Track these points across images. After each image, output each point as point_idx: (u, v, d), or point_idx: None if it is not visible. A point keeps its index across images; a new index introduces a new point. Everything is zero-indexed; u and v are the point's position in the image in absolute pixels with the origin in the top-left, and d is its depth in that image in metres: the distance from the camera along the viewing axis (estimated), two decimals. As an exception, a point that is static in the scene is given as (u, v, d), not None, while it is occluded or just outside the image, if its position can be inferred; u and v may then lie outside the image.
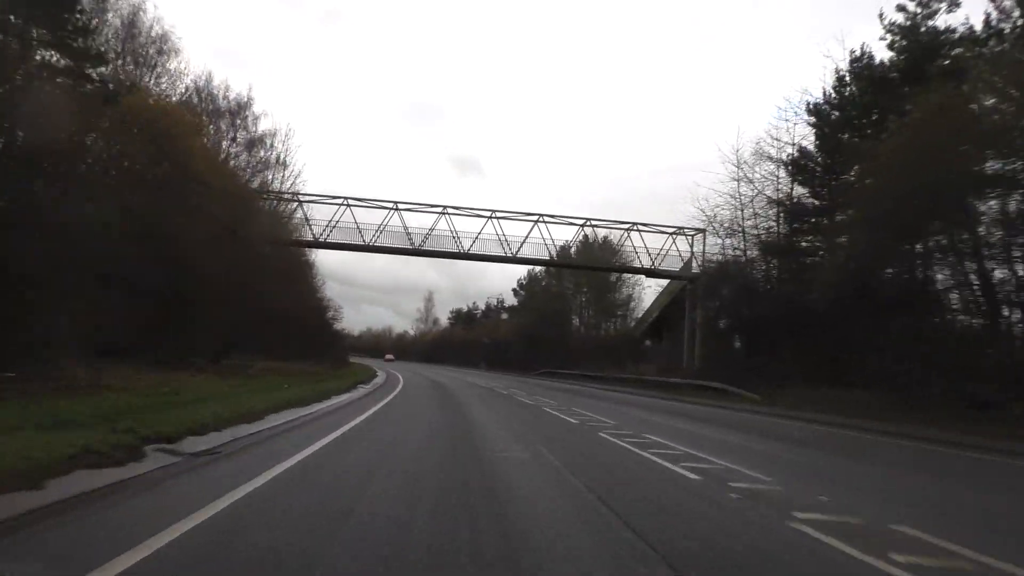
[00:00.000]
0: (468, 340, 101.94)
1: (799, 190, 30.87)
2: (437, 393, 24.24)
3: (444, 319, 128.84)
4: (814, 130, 29.75)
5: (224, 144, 39.00)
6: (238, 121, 39.96)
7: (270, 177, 40.84)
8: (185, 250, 23.27)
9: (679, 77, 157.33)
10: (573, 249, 41.67)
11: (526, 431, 12.28)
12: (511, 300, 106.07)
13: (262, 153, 41.38)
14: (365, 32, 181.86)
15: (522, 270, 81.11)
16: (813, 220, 29.82)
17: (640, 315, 55.29)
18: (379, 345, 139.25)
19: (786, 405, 23.12)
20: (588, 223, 38.76)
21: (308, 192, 39.64)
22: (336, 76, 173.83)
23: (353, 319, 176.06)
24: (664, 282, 47.57)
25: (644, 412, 18.96)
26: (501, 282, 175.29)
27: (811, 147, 30.09)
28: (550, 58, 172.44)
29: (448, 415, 15.28)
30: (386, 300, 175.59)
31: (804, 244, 30.89)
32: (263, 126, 43.15)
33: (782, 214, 30.58)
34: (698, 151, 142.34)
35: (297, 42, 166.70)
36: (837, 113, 28.94)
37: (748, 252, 33.38)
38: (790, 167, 30.52)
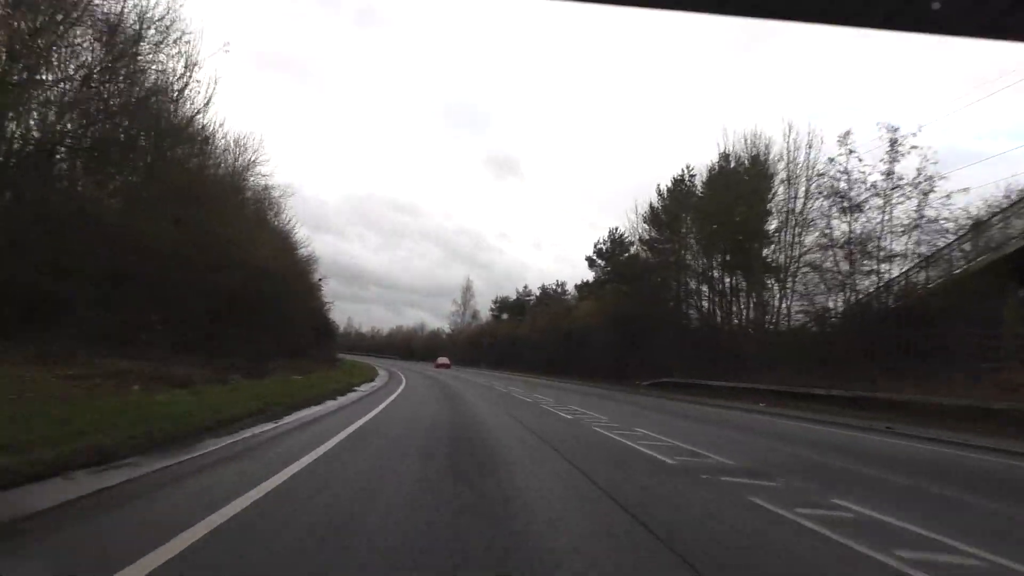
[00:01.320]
0: (518, 336, 74.12)
1: None
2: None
3: (485, 313, 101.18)
4: None
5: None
6: None
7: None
8: None
9: None
10: None
11: None
12: (574, 281, 78.07)
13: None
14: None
15: (574, 265, 52.68)
16: None
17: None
18: (410, 345, 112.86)
19: None
20: None
21: None
22: None
23: (392, 320, 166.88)
24: None
25: None
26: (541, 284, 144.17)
27: None
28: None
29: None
30: (427, 303, 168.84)
31: None
32: None
33: None
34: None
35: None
36: None
37: None
38: None
